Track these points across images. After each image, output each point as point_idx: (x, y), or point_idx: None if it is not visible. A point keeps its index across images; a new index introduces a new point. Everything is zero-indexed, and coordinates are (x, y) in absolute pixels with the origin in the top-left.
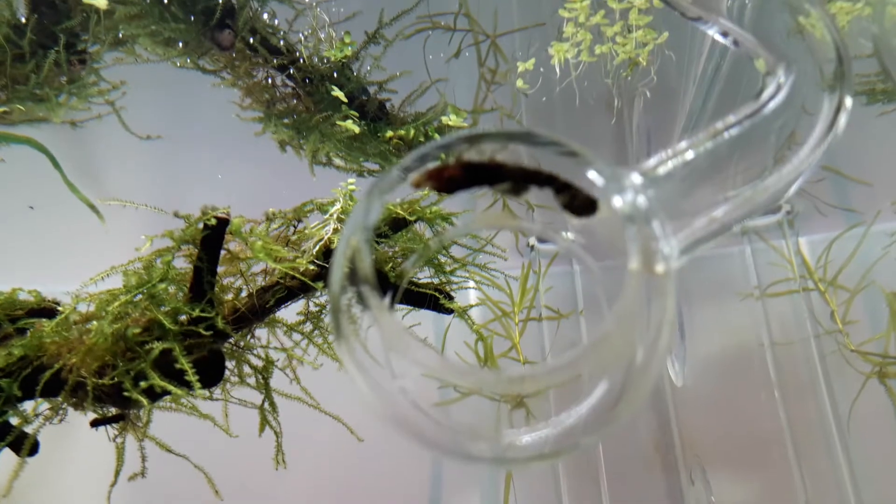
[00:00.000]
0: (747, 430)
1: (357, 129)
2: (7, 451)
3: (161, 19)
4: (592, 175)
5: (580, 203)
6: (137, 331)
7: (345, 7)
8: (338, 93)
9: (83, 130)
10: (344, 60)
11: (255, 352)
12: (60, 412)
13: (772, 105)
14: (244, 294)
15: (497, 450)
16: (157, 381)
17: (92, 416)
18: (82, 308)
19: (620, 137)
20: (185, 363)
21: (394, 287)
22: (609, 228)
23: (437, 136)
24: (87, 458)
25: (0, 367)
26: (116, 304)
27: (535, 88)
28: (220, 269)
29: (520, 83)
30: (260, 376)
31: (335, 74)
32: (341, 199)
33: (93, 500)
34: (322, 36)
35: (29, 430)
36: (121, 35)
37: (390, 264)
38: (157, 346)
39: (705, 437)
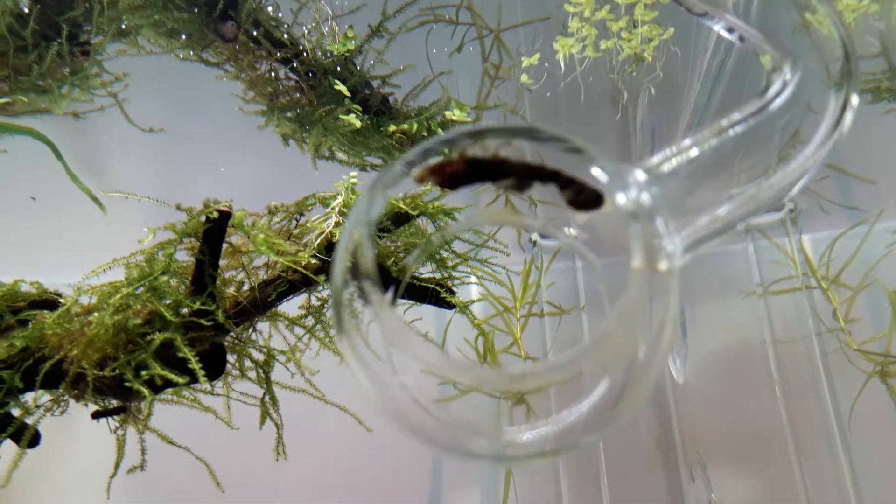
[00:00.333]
0: (748, 427)
1: (360, 124)
2: (8, 441)
3: (164, 9)
4: (596, 172)
5: (586, 197)
6: (139, 322)
7: (349, 0)
8: (341, 87)
9: (86, 122)
10: (347, 54)
11: (257, 344)
12: (61, 404)
13: (777, 102)
14: (246, 287)
15: (497, 447)
16: (159, 371)
17: (93, 407)
18: (84, 300)
19: (625, 133)
20: (187, 352)
21: (396, 282)
22: (612, 225)
23: (440, 131)
24: (88, 449)
25: (2, 359)
26: (118, 296)
27: (539, 83)
28: (221, 263)
29: (524, 78)
30: (261, 370)
31: (338, 68)
32: (343, 193)
33: (93, 492)
34: (325, 30)
35: (30, 421)
36: (124, 26)
37: (392, 259)
38: (159, 337)
39: (706, 435)
